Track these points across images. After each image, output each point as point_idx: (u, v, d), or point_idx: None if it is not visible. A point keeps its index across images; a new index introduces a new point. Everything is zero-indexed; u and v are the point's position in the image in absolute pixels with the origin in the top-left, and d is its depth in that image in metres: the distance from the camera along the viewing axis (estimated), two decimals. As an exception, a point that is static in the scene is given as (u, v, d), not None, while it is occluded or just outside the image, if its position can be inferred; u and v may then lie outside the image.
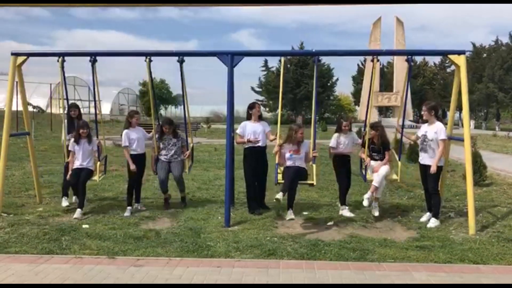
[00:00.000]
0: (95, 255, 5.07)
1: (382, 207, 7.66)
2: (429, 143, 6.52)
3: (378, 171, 6.75)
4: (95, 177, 7.15)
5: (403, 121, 7.13)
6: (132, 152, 7.19)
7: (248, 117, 7.36)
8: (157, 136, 7.38)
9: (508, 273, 4.62)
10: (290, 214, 6.35)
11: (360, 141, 7.31)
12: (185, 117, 7.45)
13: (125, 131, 7.23)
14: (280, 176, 6.62)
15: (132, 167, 7.09)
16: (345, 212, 7.06)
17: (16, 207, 7.32)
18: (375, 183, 6.69)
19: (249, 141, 7.03)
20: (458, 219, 6.83)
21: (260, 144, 7.08)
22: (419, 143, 6.73)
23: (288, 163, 6.66)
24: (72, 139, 7.06)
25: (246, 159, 7.20)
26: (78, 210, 6.77)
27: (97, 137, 7.39)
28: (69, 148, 7.09)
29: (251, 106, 7.41)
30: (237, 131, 7.28)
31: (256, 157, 7.12)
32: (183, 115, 7.58)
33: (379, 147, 7.00)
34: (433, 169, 6.35)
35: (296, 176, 6.41)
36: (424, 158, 6.61)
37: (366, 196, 6.71)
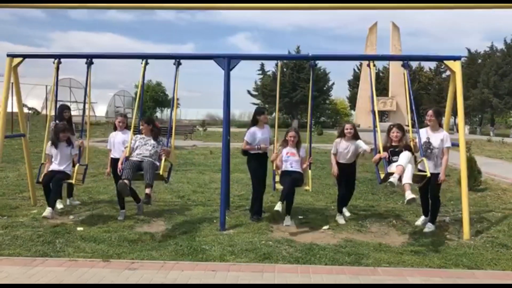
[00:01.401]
0: (89, 258, 5.05)
1: (377, 212, 7.69)
2: (434, 151, 6.34)
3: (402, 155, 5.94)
4: (71, 180, 6.73)
5: (417, 128, 6.51)
6: (115, 155, 6.90)
7: (254, 122, 7.09)
8: (134, 136, 6.61)
9: (502, 279, 4.64)
10: (287, 221, 6.56)
11: (365, 148, 6.82)
12: (171, 120, 7.05)
13: (110, 134, 7.15)
14: (277, 185, 6.70)
15: (108, 169, 7.04)
16: (340, 219, 6.96)
17: (10, 209, 7.29)
18: (399, 162, 5.79)
19: (259, 148, 6.90)
20: (453, 224, 6.86)
21: (264, 151, 7.04)
22: (423, 150, 6.30)
23: (284, 165, 6.68)
24: (49, 142, 6.78)
25: (252, 163, 7.04)
26: (48, 208, 6.18)
27: (81, 137, 7.22)
28: (46, 151, 6.79)
29: (260, 112, 7.15)
30: (246, 139, 6.91)
31: (260, 161, 7.05)
32: (177, 118, 7.43)
33: (400, 150, 6.08)
34: (442, 178, 6.28)
35: (293, 184, 6.43)
36: (423, 164, 6.21)
37: (393, 176, 5.69)
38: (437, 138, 6.39)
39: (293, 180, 6.42)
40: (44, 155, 6.89)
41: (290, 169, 6.61)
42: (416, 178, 6.03)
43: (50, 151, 6.75)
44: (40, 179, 6.64)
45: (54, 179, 6.44)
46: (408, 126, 6.60)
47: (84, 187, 8.67)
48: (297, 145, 6.80)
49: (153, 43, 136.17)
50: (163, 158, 6.42)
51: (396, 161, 5.95)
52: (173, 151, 6.95)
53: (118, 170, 6.37)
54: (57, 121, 7.20)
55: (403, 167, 5.74)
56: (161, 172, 6.27)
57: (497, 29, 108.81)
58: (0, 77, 11.36)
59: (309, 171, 6.81)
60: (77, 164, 6.83)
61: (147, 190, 6.02)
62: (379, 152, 6.21)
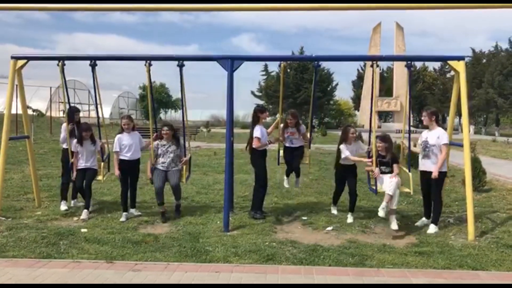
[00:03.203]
0: (93, 259, 5.06)
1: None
2: (431, 149, 6.46)
3: (390, 181, 6.38)
4: (100, 177, 7.30)
5: (409, 129, 6.76)
6: (124, 158, 7.07)
7: (256, 120, 7.24)
8: (155, 143, 7.09)
9: (507, 279, 4.61)
10: (297, 182, 7.71)
11: (366, 148, 7.10)
12: (184, 123, 7.31)
13: (117, 136, 7.20)
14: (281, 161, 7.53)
15: (116, 172, 7.10)
16: (333, 210, 7.52)
17: (15, 211, 7.31)
18: (388, 191, 6.27)
19: (270, 143, 7.30)
20: (457, 225, 6.82)
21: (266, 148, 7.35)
22: (421, 150, 6.63)
23: (287, 142, 7.43)
24: (75, 141, 7.15)
25: (260, 160, 7.18)
26: (85, 211, 6.93)
27: (100, 139, 7.44)
28: (73, 149, 7.19)
29: (261, 110, 7.40)
30: (258, 135, 7.01)
31: (264, 159, 7.28)
32: (180, 119, 7.44)
33: (388, 160, 6.64)
34: (434, 175, 6.33)
35: (294, 157, 7.39)
36: (426, 165, 6.53)
37: (382, 206, 6.25)
38: (433, 136, 6.50)
39: (293, 154, 7.41)
40: (70, 152, 7.25)
41: (292, 145, 7.39)
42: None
43: (76, 148, 7.16)
44: (73, 177, 7.22)
45: (86, 184, 7.07)
46: (412, 126, 6.65)
47: (94, 185, 8.68)
48: (297, 126, 7.36)
49: (157, 44, 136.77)
50: (185, 168, 7.17)
51: (385, 171, 6.56)
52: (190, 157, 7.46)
53: (149, 179, 7.14)
54: (69, 123, 7.38)
55: (390, 196, 6.24)
56: (184, 182, 7.23)
57: (502, 29, 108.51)
58: (4, 79, 11.41)
59: (309, 150, 7.65)
60: (102, 162, 7.36)
61: (177, 202, 7.24)
62: (372, 156, 6.63)
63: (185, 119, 7.28)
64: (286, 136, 7.40)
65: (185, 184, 7.50)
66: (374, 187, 6.58)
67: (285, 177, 7.69)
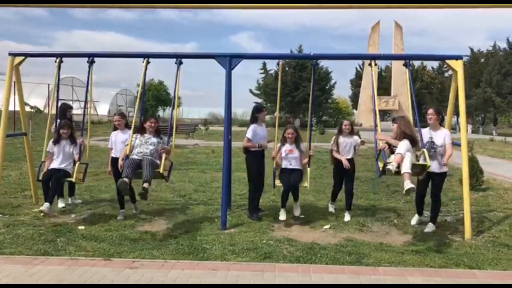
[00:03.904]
0: (90, 256, 5.06)
1: (378, 211, 7.68)
2: (438, 150, 6.31)
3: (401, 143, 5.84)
4: (71, 178, 6.72)
5: (419, 127, 6.37)
6: (115, 155, 6.88)
7: (253, 120, 7.14)
8: (134, 135, 6.53)
9: (503, 278, 4.63)
10: (297, 210, 6.83)
11: (360, 140, 7.15)
12: (171, 119, 7.11)
13: (112, 133, 7.13)
14: (276, 182, 6.86)
15: (109, 169, 7.02)
16: (330, 208, 7.50)
17: (12, 208, 7.30)
18: (399, 150, 5.67)
19: (259, 146, 6.96)
20: (454, 224, 6.85)
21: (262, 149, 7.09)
22: (427, 150, 6.06)
23: (284, 162, 6.84)
24: (51, 140, 6.83)
25: (250, 161, 7.08)
26: (46, 203, 6.16)
27: (82, 135, 7.12)
28: (47, 149, 6.84)
29: (259, 109, 7.23)
30: (248, 136, 6.95)
31: (259, 160, 7.08)
32: (179, 117, 7.41)
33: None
34: (445, 162, 6.25)
35: (292, 182, 6.61)
36: (432, 166, 6.09)
37: (391, 164, 5.59)
38: (439, 136, 6.37)
39: (292, 182, 6.60)
40: (45, 152, 6.91)
41: (290, 166, 6.79)
42: (416, 170, 5.82)
43: (52, 148, 6.79)
44: (40, 177, 6.67)
45: (54, 177, 6.46)
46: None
47: (86, 186, 8.68)
48: (296, 142, 6.89)
49: (156, 42, 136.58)
50: (164, 157, 6.39)
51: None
52: (173, 150, 6.93)
53: (119, 166, 6.32)
54: (59, 121, 7.20)
55: (401, 155, 5.59)
56: (161, 170, 6.24)
57: (500, 28, 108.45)
58: (2, 75, 11.38)
59: (308, 169, 6.90)
60: (78, 162, 6.76)
61: (145, 185, 5.95)
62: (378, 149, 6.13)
63: (175, 115, 7.12)
64: (284, 155, 6.81)
65: (166, 183, 7.10)
66: (381, 170, 5.85)
67: (281, 210, 6.56)
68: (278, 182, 6.83)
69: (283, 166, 6.85)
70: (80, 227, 6.22)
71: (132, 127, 6.68)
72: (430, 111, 6.47)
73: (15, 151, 14.54)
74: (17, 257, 5.01)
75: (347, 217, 7.00)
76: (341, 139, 7.11)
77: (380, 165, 5.91)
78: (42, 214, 6.31)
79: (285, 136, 6.92)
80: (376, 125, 6.41)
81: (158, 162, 6.35)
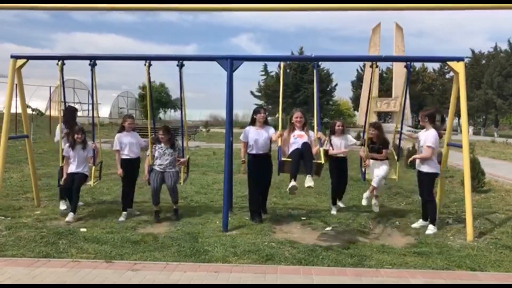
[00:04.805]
0: (92, 259, 5.06)
1: (380, 212, 7.66)
2: (420, 149, 6.65)
3: (378, 172, 6.88)
4: (90, 182, 7.08)
5: (401, 126, 7.10)
6: (124, 157, 7.08)
7: (252, 122, 7.08)
8: (153, 146, 7.08)
9: (505, 280, 4.62)
10: (309, 181, 5.57)
11: (354, 141, 7.62)
12: (182, 123, 7.22)
13: (117, 135, 7.19)
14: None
15: (119, 171, 7.06)
16: (333, 211, 7.54)
17: (14, 210, 7.31)
18: (373, 183, 6.78)
19: (243, 162, 7.03)
20: (456, 226, 6.83)
21: (261, 152, 6.87)
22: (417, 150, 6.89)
23: (293, 146, 6.10)
24: (67, 144, 7.04)
25: (249, 164, 6.99)
26: (71, 213, 6.73)
27: (93, 140, 7.22)
28: (64, 154, 7.03)
29: (256, 111, 7.10)
30: (240, 137, 7.01)
31: (258, 164, 6.93)
32: (179, 119, 7.40)
33: (378, 146, 7.06)
34: (416, 157, 6.65)
35: (301, 153, 5.80)
36: (418, 164, 6.66)
37: (365, 195, 6.83)
38: (423, 137, 6.59)
39: (303, 149, 5.84)
40: (60, 157, 7.07)
41: (299, 147, 5.96)
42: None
43: (68, 153, 7.00)
44: (62, 183, 6.96)
45: (75, 187, 6.79)
46: (411, 126, 6.73)
47: (87, 188, 8.68)
48: (304, 127, 6.44)
49: (156, 44, 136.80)
50: (183, 170, 7.22)
51: (376, 156, 6.98)
52: (187, 159, 7.40)
53: (146, 179, 7.02)
54: (70, 125, 7.29)
55: (374, 187, 6.76)
56: (182, 183, 7.19)
57: (501, 30, 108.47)
58: (4, 78, 11.41)
59: (321, 148, 6.15)
60: (93, 166, 7.06)
61: (175, 206, 7.10)
62: (365, 151, 6.96)
63: (184, 120, 7.21)
64: (293, 140, 6.22)
65: (182, 185, 7.41)
66: (363, 172, 7.14)
67: (292, 182, 5.66)
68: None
69: (292, 149, 6.07)
70: (81, 229, 6.22)
71: (149, 135, 7.15)
72: (420, 113, 7.06)
73: (16, 153, 14.56)
74: (19, 259, 5.01)
75: (341, 204, 7.70)
76: (334, 140, 7.40)
77: (368, 177, 7.07)
78: (67, 223, 6.55)
79: (293, 121, 6.44)
80: (364, 127, 7.15)
81: (176, 169, 7.12)
